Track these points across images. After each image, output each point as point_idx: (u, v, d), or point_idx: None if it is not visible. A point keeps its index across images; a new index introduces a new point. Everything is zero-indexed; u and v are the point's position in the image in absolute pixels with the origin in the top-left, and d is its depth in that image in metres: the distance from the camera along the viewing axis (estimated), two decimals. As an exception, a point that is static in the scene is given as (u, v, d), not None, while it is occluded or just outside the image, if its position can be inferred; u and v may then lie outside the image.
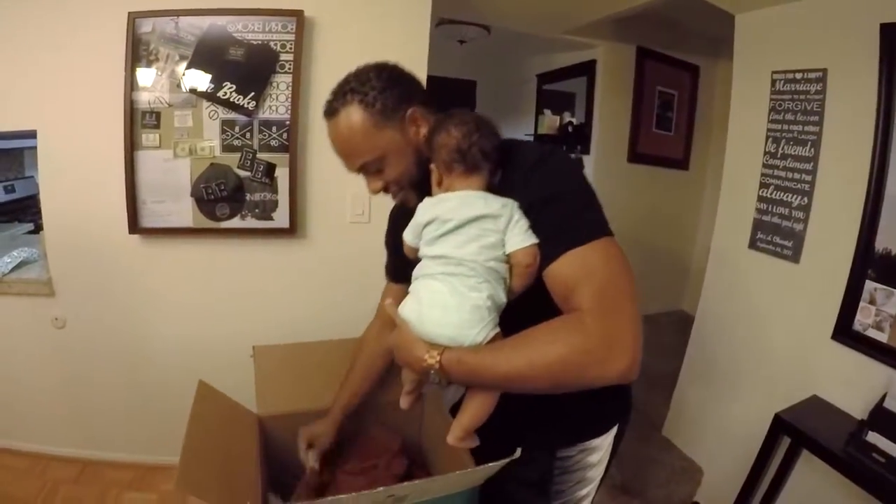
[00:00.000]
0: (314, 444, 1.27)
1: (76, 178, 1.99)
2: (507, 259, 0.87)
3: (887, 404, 1.58)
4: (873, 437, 1.55)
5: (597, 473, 1.11)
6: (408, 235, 0.95)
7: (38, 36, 1.88)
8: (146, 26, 1.88)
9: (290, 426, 1.47)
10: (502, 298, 0.87)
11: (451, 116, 0.93)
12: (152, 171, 1.97)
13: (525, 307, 0.86)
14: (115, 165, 1.93)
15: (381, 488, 0.85)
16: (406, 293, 0.93)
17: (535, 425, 1.04)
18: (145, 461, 2.25)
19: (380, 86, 0.96)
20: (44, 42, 1.88)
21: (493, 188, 0.91)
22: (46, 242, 2.05)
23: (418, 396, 1.03)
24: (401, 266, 1.12)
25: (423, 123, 0.98)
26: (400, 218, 1.16)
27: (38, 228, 2.87)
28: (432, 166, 0.94)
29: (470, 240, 0.86)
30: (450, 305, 0.84)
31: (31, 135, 1.98)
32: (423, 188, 0.98)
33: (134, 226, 1.98)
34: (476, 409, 0.92)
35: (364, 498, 0.85)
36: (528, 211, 0.86)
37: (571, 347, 0.76)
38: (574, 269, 0.81)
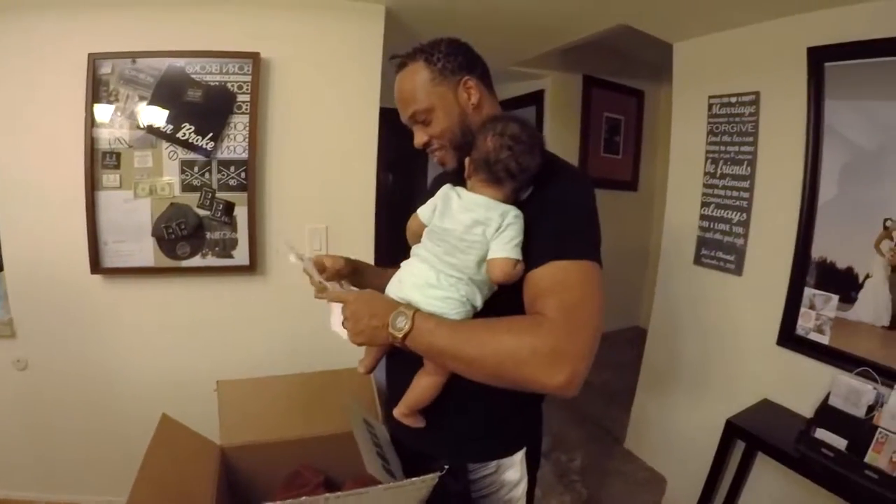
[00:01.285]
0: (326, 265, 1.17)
1: (36, 217, 1.98)
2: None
3: (832, 402, 1.67)
4: (821, 434, 1.63)
5: (518, 494, 1.12)
6: (423, 213, 1.02)
7: (-2, 74, 1.90)
8: (106, 67, 1.92)
9: (253, 456, 1.50)
10: (478, 302, 0.94)
11: (499, 121, 0.96)
12: (113, 211, 1.98)
13: (504, 307, 0.93)
14: (75, 205, 1.94)
15: (307, 498, 0.87)
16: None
17: (446, 442, 1.08)
18: (110, 502, 2.18)
19: (446, 51, 1.05)
20: (3, 80, 1.90)
21: (517, 202, 0.95)
22: (7, 283, 2.02)
23: (375, 363, 1.11)
24: None
25: (474, 93, 1.06)
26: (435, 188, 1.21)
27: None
28: (467, 159, 0.99)
29: (454, 250, 0.93)
30: (431, 284, 0.93)
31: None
32: (462, 151, 1.04)
33: (95, 266, 1.98)
34: (420, 390, 1.00)
35: None
36: (533, 218, 0.93)
37: (522, 344, 0.82)
38: (551, 278, 0.87)
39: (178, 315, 2.13)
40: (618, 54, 2.96)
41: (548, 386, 0.81)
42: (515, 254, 0.90)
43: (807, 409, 1.79)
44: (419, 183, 4.71)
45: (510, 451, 1.09)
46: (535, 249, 0.90)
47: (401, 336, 0.90)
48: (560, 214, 0.93)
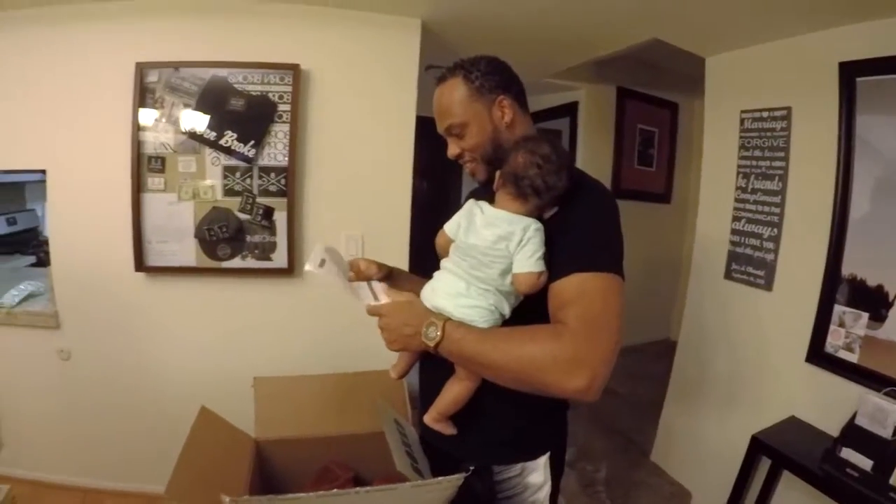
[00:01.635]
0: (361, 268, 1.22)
1: (83, 216, 2.10)
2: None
3: (858, 421, 1.65)
4: (846, 453, 1.61)
5: (541, 497, 1.15)
6: (449, 228, 1.07)
7: (51, 81, 2.03)
8: (152, 76, 2.02)
9: (286, 451, 1.57)
10: (506, 311, 0.99)
11: (531, 140, 1.01)
12: (157, 212, 2.09)
13: (531, 313, 0.98)
14: (122, 206, 2.05)
15: (337, 490, 0.94)
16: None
17: (473, 444, 1.12)
18: (146, 490, 2.29)
19: (485, 69, 1.10)
20: (56, 87, 2.03)
21: (542, 219, 0.99)
22: (53, 277, 2.15)
23: (408, 369, 1.17)
24: None
25: (508, 112, 1.10)
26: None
27: (39, 262, 2.97)
28: (498, 172, 1.03)
29: (480, 265, 0.97)
30: (461, 293, 0.98)
31: (35, 170, 2.11)
32: (493, 166, 1.09)
33: (140, 264, 2.09)
34: (452, 396, 1.06)
35: (324, 500, 0.91)
36: (557, 230, 0.97)
37: (544, 350, 0.87)
38: (574, 289, 0.91)
39: (217, 313, 2.23)
40: (652, 66, 2.97)
41: (568, 390, 0.86)
42: (538, 267, 0.94)
43: (834, 428, 1.77)
44: (454, 191, 4.77)
45: (535, 455, 1.13)
46: (558, 261, 0.95)
47: (433, 345, 0.96)
48: (583, 228, 0.97)
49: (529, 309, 1.00)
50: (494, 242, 0.96)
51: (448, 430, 1.10)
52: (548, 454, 1.14)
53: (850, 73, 1.76)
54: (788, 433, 1.87)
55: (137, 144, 2.03)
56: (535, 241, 0.95)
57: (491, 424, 1.11)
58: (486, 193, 1.14)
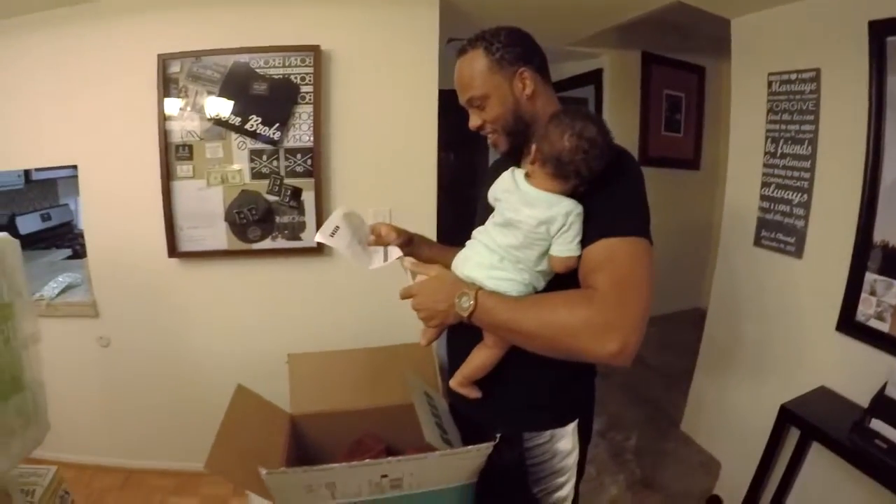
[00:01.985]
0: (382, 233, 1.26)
1: (116, 208, 2.18)
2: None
3: (888, 392, 1.62)
4: (876, 425, 1.59)
5: (570, 464, 1.18)
6: (489, 196, 1.09)
7: (77, 79, 2.09)
8: (175, 66, 2.07)
9: (321, 425, 1.63)
10: (540, 286, 1.02)
11: (577, 119, 0.96)
12: (188, 199, 2.16)
13: (559, 285, 1.00)
14: (152, 195, 2.12)
15: (370, 460, 0.96)
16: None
17: (503, 412, 1.16)
18: (186, 468, 2.40)
19: (506, 41, 1.09)
20: (83, 83, 2.10)
21: (576, 195, 0.99)
22: (90, 267, 2.24)
23: (437, 335, 1.18)
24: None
25: (529, 84, 1.10)
26: (487, 182, 1.29)
27: (75, 254, 3.09)
28: (534, 146, 1.00)
29: (518, 245, 0.99)
30: (495, 266, 1.01)
31: (67, 166, 2.19)
32: (515, 137, 1.12)
33: (172, 250, 2.17)
34: (478, 362, 1.09)
35: (358, 470, 0.96)
36: (585, 197, 0.98)
37: (576, 316, 0.89)
38: (602, 254, 0.93)
39: (249, 294, 2.30)
40: (677, 29, 2.87)
41: (600, 355, 0.88)
42: (577, 251, 0.95)
43: (864, 399, 1.73)
44: (482, 161, 4.75)
45: (563, 422, 1.16)
46: (588, 228, 0.96)
47: (466, 315, 0.99)
48: (610, 194, 0.98)
49: (558, 280, 1.02)
50: (536, 226, 0.96)
51: (473, 393, 1.14)
52: (576, 421, 1.18)
53: (881, 32, 1.66)
54: (818, 403, 1.84)
55: (164, 134, 2.09)
56: (577, 226, 0.95)
57: (520, 391, 1.14)
58: (508, 165, 1.15)
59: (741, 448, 2.24)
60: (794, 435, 1.94)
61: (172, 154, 2.11)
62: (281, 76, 2.11)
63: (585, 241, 0.95)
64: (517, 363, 1.08)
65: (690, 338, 2.76)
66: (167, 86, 2.06)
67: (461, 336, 1.15)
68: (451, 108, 2.22)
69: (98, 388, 2.37)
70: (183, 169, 2.13)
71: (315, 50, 2.09)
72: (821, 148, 1.93)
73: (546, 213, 0.95)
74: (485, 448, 0.99)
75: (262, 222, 2.21)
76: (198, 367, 2.33)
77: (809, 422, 1.76)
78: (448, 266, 1.13)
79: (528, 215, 0.97)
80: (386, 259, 1.24)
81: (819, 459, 1.91)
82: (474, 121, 1.15)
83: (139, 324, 2.29)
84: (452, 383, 1.15)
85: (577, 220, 0.95)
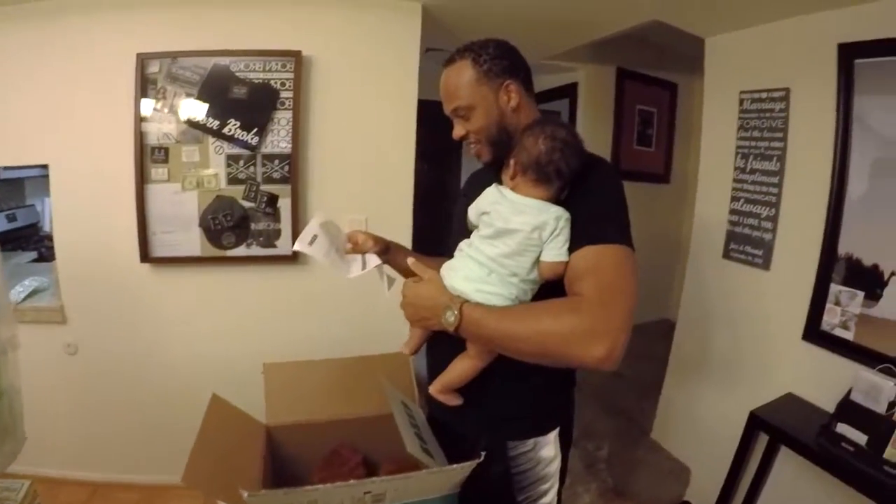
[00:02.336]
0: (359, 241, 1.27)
1: (87, 210, 2.12)
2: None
3: (853, 397, 1.69)
4: (842, 428, 1.66)
5: (553, 470, 1.20)
6: (471, 214, 1.09)
7: (51, 75, 2.03)
8: (153, 66, 2.03)
9: (296, 435, 1.61)
10: (526, 299, 1.02)
11: (546, 125, 1.01)
12: (162, 203, 2.11)
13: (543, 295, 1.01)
14: (125, 198, 2.07)
15: (355, 481, 0.95)
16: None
17: (487, 422, 1.17)
18: (155, 482, 2.33)
19: (493, 53, 1.11)
20: (56, 81, 2.03)
21: (559, 200, 1.01)
22: (59, 271, 2.16)
23: (420, 346, 1.21)
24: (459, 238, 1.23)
25: (514, 97, 1.11)
26: (465, 189, 1.36)
27: (41, 257, 2.98)
28: (512, 160, 1.03)
29: (510, 252, 0.98)
30: (482, 279, 1.00)
31: (36, 165, 2.12)
32: (498, 148, 1.13)
33: (145, 255, 2.11)
34: (459, 371, 1.10)
35: (341, 490, 0.95)
36: (568, 207, 0.99)
37: (562, 324, 0.89)
38: (587, 261, 0.94)
39: (223, 302, 2.26)
40: (651, 46, 2.96)
41: (588, 361, 0.88)
42: (566, 256, 0.97)
43: (830, 404, 1.81)
44: (454, 173, 4.84)
45: (546, 430, 1.18)
46: (573, 236, 0.98)
47: (452, 329, 0.98)
48: (592, 203, 1.00)
49: (541, 292, 1.03)
50: (530, 232, 0.97)
51: (453, 400, 1.14)
52: (558, 429, 1.19)
53: (849, 54, 1.76)
54: (786, 410, 1.91)
55: (140, 135, 2.04)
56: (566, 232, 0.97)
57: (504, 401, 1.15)
58: (488, 175, 1.18)
59: (711, 455, 2.29)
60: (762, 441, 2.01)
61: (147, 156, 2.07)
62: (261, 80, 2.09)
63: (571, 248, 0.97)
64: (500, 373, 1.09)
65: (659, 348, 2.83)
66: (145, 86, 2.02)
67: (442, 345, 1.15)
68: (426, 119, 2.26)
69: (65, 398, 2.28)
70: (158, 172, 2.08)
71: (296, 55, 2.08)
72: (789, 164, 2.02)
73: (538, 219, 0.97)
74: (470, 465, 0.99)
75: (236, 229, 2.17)
76: (169, 376, 2.27)
77: (779, 427, 1.83)
78: None
79: (522, 222, 0.98)
80: (364, 267, 1.24)
81: (787, 464, 1.98)
82: (458, 131, 1.16)
83: (109, 331, 2.21)
84: (432, 390, 1.15)
85: (566, 226, 0.97)
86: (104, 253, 2.14)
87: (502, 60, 1.11)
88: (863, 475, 1.55)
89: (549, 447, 1.18)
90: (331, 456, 1.74)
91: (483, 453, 1.01)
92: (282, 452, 1.68)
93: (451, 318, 0.98)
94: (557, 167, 0.97)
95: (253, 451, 1.48)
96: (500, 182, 1.09)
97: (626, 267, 0.94)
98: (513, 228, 0.98)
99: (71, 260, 2.15)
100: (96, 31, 2.01)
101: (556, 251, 0.97)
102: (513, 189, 1.03)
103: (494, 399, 1.15)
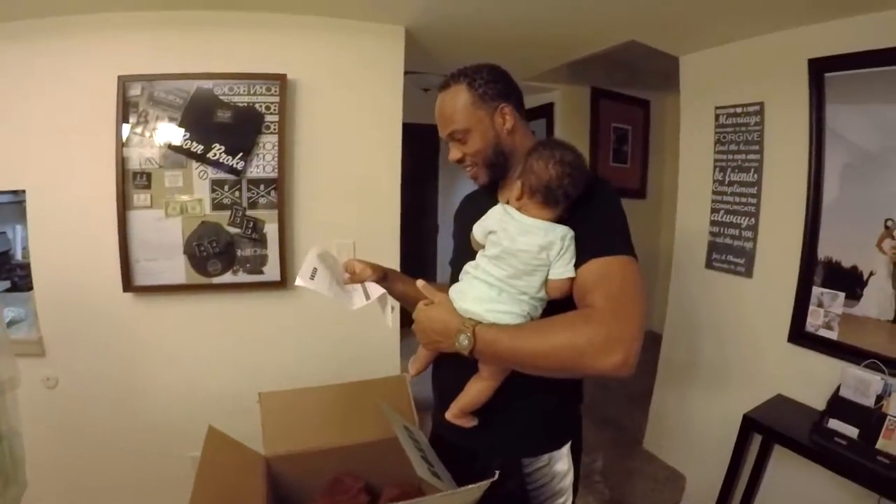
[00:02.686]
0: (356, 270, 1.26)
1: (67, 237, 2.03)
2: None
3: (842, 393, 1.77)
4: (834, 424, 1.73)
5: (567, 484, 1.21)
6: (477, 233, 1.09)
7: (29, 97, 1.95)
8: (135, 89, 1.98)
9: (296, 465, 1.57)
10: (537, 314, 1.03)
11: (554, 149, 1.03)
12: (144, 229, 2.04)
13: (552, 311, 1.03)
14: (107, 225, 1.99)
15: None
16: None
17: (501, 440, 1.17)
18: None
19: (488, 77, 1.13)
20: (35, 103, 1.96)
21: (563, 220, 1.04)
22: (37, 301, 2.06)
23: (426, 367, 1.21)
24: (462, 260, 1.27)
25: (509, 119, 1.14)
26: (459, 212, 1.36)
27: (14, 286, 2.83)
28: (518, 182, 1.05)
29: (519, 273, 1.00)
30: (493, 299, 1.01)
31: (11, 191, 2.03)
32: (494, 170, 1.16)
33: (128, 284, 2.03)
34: (474, 393, 1.10)
35: None
36: (571, 223, 1.02)
37: (579, 336, 0.91)
38: (594, 274, 0.97)
39: (210, 331, 2.19)
40: (624, 66, 3.06)
41: (606, 369, 0.90)
42: (573, 272, 0.99)
43: (818, 402, 1.88)
44: (431, 196, 4.95)
45: (560, 445, 1.19)
46: (578, 251, 1.00)
47: (466, 352, 0.99)
48: (594, 219, 1.03)
49: (550, 308, 1.05)
50: (538, 252, 0.99)
51: (469, 423, 1.13)
52: (570, 442, 1.21)
53: (819, 68, 1.87)
54: (777, 410, 1.97)
55: (122, 160, 1.98)
56: (572, 249, 1.00)
57: (518, 418, 1.15)
58: (483, 197, 1.22)
59: (704, 460, 2.34)
60: (755, 442, 2.05)
61: (130, 182, 2.00)
62: (245, 104, 2.07)
63: (577, 264, 0.99)
64: (513, 391, 1.10)
65: (646, 359, 2.84)
66: (126, 109, 1.97)
67: (447, 365, 1.16)
68: (405, 143, 2.28)
69: (44, 433, 2.11)
70: (140, 198, 2.02)
71: (281, 79, 2.07)
72: (766, 175, 2.11)
73: (545, 239, 0.99)
74: (484, 485, 0.98)
75: (222, 255, 2.12)
76: (155, 408, 2.17)
77: (773, 428, 1.88)
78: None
79: (528, 242, 1.00)
80: (368, 297, 1.23)
81: (780, 463, 2.04)
82: (455, 154, 1.18)
83: (90, 364, 2.10)
84: (449, 415, 1.13)
85: (571, 244, 1.00)
86: (85, 282, 2.04)
87: (496, 84, 1.14)
88: (857, 466, 1.62)
89: (562, 461, 1.19)
90: (333, 484, 1.71)
91: (497, 472, 1.00)
92: (282, 483, 1.64)
93: (465, 341, 0.98)
94: (566, 191, 1.00)
95: (255, 485, 1.43)
96: (496, 203, 1.11)
97: (632, 276, 0.97)
98: (519, 249, 1.00)
99: (49, 289, 2.05)
100: (77, 52, 1.95)
101: (562, 268, 0.99)
102: (519, 209, 1.05)
103: (508, 417, 1.15)
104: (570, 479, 1.21)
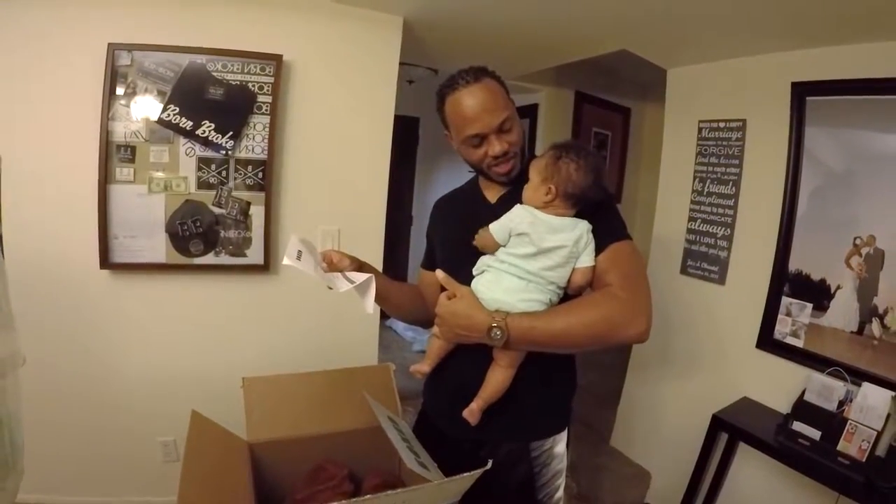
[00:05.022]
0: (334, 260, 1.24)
1: (43, 208, 1.93)
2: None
3: (807, 397, 1.89)
4: (798, 426, 1.85)
5: (565, 465, 1.30)
6: (497, 232, 1.12)
7: (10, 62, 1.84)
8: (125, 59, 1.89)
9: (279, 452, 1.55)
10: (557, 301, 1.11)
11: (583, 155, 1.10)
12: (126, 205, 1.96)
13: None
14: (86, 198, 1.91)
15: (367, 497, 0.93)
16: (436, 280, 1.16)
17: (511, 426, 1.23)
18: (108, 502, 2.14)
19: (497, 75, 1.19)
20: (15, 68, 1.84)
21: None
22: (5, 273, 1.94)
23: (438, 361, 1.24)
24: (435, 258, 1.35)
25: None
26: (441, 214, 1.40)
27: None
28: (550, 185, 1.09)
29: (554, 265, 1.07)
30: (521, 289, 1.08)
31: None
32: (522, 162, 1.21)
33: (105, 260, 1.95)
34: (496, 383, 1.14)
35: None
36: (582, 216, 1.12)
37: (608, 310, 1.02)
38: (608, 258, 1.09)
39: (188, 312, 2.13)
40: (609, 72, 3.14)
41: (633, 337, 1.02)
42: (593, 261, 1.09)
43: (783, 406, 2.00)
44: (406, 189, 5.05)
45: (562, 427, 1.28)
46: (596, 240, 1.10)
47: (500, 344, 1.04)
48: (601, 209, 1.14)
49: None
50: (573, 246, 1.07)
51: (477, 420, 1.15)
52: (568, 426, 1.30)
53: (801, 92, 1.98)
54: (743, 412, 2.08)
55: (106, 132, 1.89)
56: (593, 240, 1.09)
57: (527, 405, 1.21)
58: (468, 197, 1.32)
59: (669, 458, 2.44)
60: (721, 441, 2.16)
61: (113, 154, 1.92)
62: (238, 83, 2.01)
63: (597, 251, 1.09)
64: (523, 378, 1.15)
65: (615, 359, 2.97)
66: (114, 79, 1.88)
67: (467, 362, 1.19)
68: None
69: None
70: (123, 172, 1.94)
71: (277, 59, 2.02)
72: (744, 188, 2.21)
73: (575, 234, 1.08)
74: (476, 473, 1.00)
75: (205, 235, 2.06)
76: (129, 390, 2.09)
77: (740, 428, 1.98)
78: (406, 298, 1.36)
79: (564, 238, 1.07)
80: (352, 282, 1.22)
81: (744, 462, 2.15)
82: (500, 146, 1.14)
83: (62, 340, 2.01)
84: (474, 407, 1.13)
85: (591, 235, 1.10)
86: (60, 256, 1.95)
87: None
88: (819, 466, 1.74)
89: (562, 443, 1.28)
90: (315, 471, 1.69)
91: (490, 461, 1.03)
92: (264, 469, 1.61)
93: (497, 334, 1.03)
94: (594, 195, 1.11)
95: (240, 471, 1.41)
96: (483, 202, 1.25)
97: (637, 255, 1.12)
98: (557, 245, 1.07)
99: (21, 261, 1.89)
100: (64, 17, 1.85)
101: (588, 257, 1.09)
102: (542, 209, 1.11)
103: (519, 404, 1.19)
104: (566, 461, 1.30)
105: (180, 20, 1.95)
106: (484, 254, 1.15)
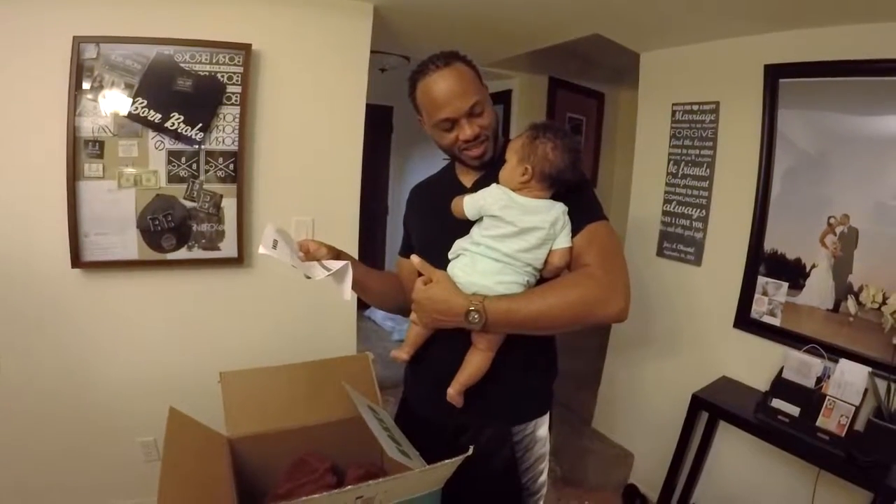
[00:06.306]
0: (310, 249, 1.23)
1: (9, 208, 1.87)
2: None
3: (785, 375, 1.92)
4: (777, 403, 1.87)
5: (547, 449, 1.31)
6: (469, 208, 1.12)
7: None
8: (91, 51, 1.84)
9: (260, 446, 1.54)
10: (534, 282, 1.11)
11: (559, 136, 1.10)
12: (95, 201, 1.91)
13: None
14: (55, 196, 1.85)
15: (349, 487, 0.92)
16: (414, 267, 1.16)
17: (493, 411, 1.23)
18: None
19: (468, 59, 1.18)
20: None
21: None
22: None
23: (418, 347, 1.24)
24: (412, 245, 1.36)
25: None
26: (417, 201, 1.41)
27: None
28: (526, 166, 1.09)
29: (529, 247, 1.07)
30: (498, 272, 1.07)
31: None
32: (495, 145, 1.21)
33: (76, 259, 1.91)
34: (474, 366, 1.14)
35: (333, 498, 0.93)
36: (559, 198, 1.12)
37: (587, 290, 1.02)
38: (585, 239, 1.09)
39: (163, 309, 2.09)
40: (582, 58, 3.13)
41: (611, 316, 1.02)
42: (570, 241, 1.09)
43: (761, 384, 2.03)
44: (381, 179, 5.01)
45: (544, 411, 1.29)
46: (572, 221, 1.11)
47: (479, 327, 1.04)
48: (579, 192, 1.14)
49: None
50: (549, 228, 1.07)
51: (461, 402, 1.16)
52: (549, 410, 1.30)
53: (774, 74, 1.99)
54: (723, 391, 2.11)
55: (73, 128, 1.84)
56: (569, 222, 1.09)
57: (508, 389, 1.22)
58: (445, 182, 1.30)
59: (651, 438, 2.47)
60: (701, 420, 2.18)
61: (81, 150, 1.87)
62: (207, 73, 1.97)
63: (573, 232, 1.09)
64: (505, 362, 1.15)
65: (593, 343, 2.99)
66: (80, 73, 1.83)
67: (445, 346, 1.20)
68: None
69: None
70: (92, 168, 1.89)
71: (246, 49, 1.98)
72: (718, 170, 2.23)
73: (551, 216, 1.07)
74: (458, 460, 1.00)
75: (177, 230, 2.03)
76: (105, 391, 2.05)
77: (720, 406, 2.01)
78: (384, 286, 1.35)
79: (540, 220, 1.07)
80: (329, 270, 1.21)
81: (725, 439, 2.18)
82: (472, 131, 1.14)
83: (33, 344, 1.96)
84: (452, 391, 1.15)
85: (567, 217, 1.09)
86: (29, 257, 1.89)
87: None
88: (799, 442, 1.77)
89: (544, 427, 1.29)
90: (297, 464, 1.67)
91: (472, 447, 1.02)
92: (245, 465, 1.59)
93: (475, 317, 1.03)
94: (572, 177, 1.11)
95: (220, 467, 1.39)
96: (460, 186, 1.24)
97: (614, 236, 1.12)
98: (533, 226, 1.07)
99: None
100: (28, 10, 1.78)
101: (565, 238, 1.08)
102: (518, 191, 1.10)
103: (500, 387, 1.20)
104: (548, 445, 1.31)
105: (147, 11, 1.90)
106: (460, 238, 1.15)
